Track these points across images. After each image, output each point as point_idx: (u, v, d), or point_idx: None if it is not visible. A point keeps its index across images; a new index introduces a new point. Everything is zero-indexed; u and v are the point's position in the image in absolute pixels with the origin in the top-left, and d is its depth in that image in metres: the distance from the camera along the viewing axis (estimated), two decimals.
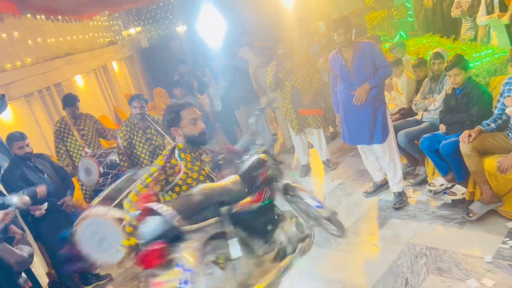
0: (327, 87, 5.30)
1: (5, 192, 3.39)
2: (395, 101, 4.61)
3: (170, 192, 2.36)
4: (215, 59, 5.88)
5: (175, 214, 1.87)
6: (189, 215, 1.98)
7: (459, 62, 3.46)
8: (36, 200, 3.49)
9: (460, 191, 3.55)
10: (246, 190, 2.33)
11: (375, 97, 3.67)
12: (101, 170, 3.83)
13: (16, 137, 3.69)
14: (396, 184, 3.87)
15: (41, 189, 3.53)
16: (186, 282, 1.75)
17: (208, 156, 2.64)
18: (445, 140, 3.49)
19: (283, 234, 2.36)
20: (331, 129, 6.06)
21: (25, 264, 2.84)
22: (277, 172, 2.54)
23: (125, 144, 4.05)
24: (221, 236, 2.07)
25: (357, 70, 3.64)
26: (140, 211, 1.94)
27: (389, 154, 3.82)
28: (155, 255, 1.77)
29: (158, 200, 2.23)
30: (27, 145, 3.70)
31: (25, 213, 3.60)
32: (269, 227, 2.36)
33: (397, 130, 4.00)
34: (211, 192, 2.18)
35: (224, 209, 2.13)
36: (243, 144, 2.73)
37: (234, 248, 2.02)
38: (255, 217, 2.30)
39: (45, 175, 3.78)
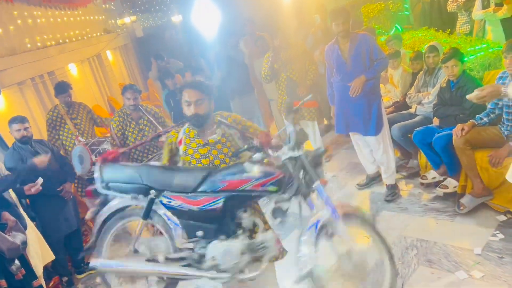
0: (322, 79, 5.30)
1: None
2: (389, 94, 4.62)
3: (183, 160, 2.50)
4: (211, 49, 5.84)
5: (97, 177, 2.42)
6: (121, 181, 2.39)
7: (456, 54, 3.48)
8: (33, 179, 3.45)
9: (451, 184, 3.58)
10: (192, 188, 2.23)
11: (370, 89, 3.68)
12: (93, 158, 3.82)
13: (15, 120, 3.67)
14: (389, 176, 3.89)
15: (40, 160, 3.47)
16: None
17: (219, 137, 2.44)
18: (438, 133, 3.51)
19: (210, 247, 2.23)
20: (325, 122, 6.07)
21: (17, 251, 2.83)
22: (274, 188, 2.19)
23: (119, 135, 4.02)
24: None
25: (354, 62, 3.64)
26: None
27: (383, 147, 3.83)
28: (87, 192, 2.66)
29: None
30: (25, 129, 3.67)
31: (21, 198, 3.59)
32: (199, 233, 2.27)
33: (390, 123, 4.02)
34: (149, 172, 2.36)
35: (151, 192, 2.31)
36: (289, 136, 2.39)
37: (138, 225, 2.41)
38: (184, 217, 2.30)
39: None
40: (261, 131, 2.47)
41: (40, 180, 3.47)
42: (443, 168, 3.64)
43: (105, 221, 2.47)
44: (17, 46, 5.72)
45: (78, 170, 3.98)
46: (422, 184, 3.90)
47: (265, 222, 2.42)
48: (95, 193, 2.49)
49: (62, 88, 4.47)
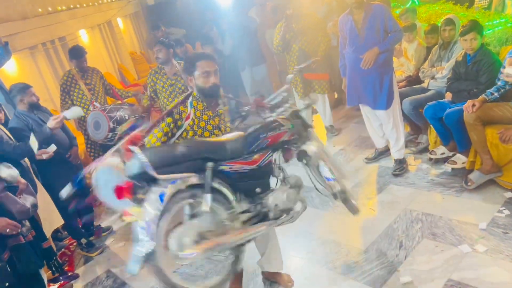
0: (335, 52, 5.22)
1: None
2: (402, 67, 4.55)
3: (180, 138, 2.44)
4: (224, 16, 5.73)
5: (147, 163, 1.96)
6: (168, 164, 2.06)
7: (476, 26, 3.38)
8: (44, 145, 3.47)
9: (460, 160, 3.57)
10: (246, 150, 2.31)
11: (383, 62, 3.62)
12: (111, 125, 3.79)
13: (22, 87, 3.60)
14: (398, 151, 3.88)
15: (53, 123, 3.42)
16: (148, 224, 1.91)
17: (225, 107, 2.61)
18: (450, 108, 3.46)
19: (271, 199, 2.36)
20: (336, 95, 6.02)
21: (27, 213, 2.87)
22: (296, 137, 2.50)
23: (151, 90, 4.09)
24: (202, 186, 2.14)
25: (367, 33, 3.57)
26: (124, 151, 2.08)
27: (393, 121, 3.80)
28: (124, 189, 1.93)
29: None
30: (34, 95, 3.65)
31: (32, 163, 3.60)
32: (258, 190, 2.35)
33: (402, 97, 3.97)
34: (199, 146, 2.22)
35: (209, 164, 2.14)
36: (275, 99, 2.67)
37: (206, 201, 2.09)
38: (245, 179, 2.31)
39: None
40: (255, 98, 2.61)
41: (53, 147, 3.47)
42: (453, 144, 3.61)
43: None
44: (29, 10, 5.69)
45: (94, 135, 3.95)
46: (430, 159, 3.89)
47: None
48: (135, 189, 1.98)
49: (78, 53, 4.38)
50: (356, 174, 4.06)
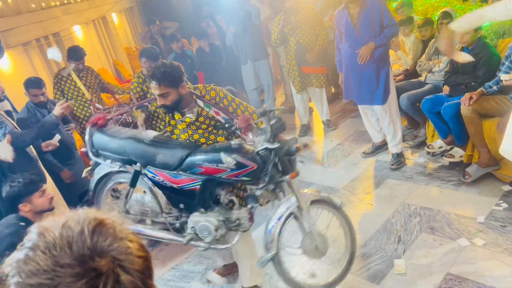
0: (332, 45, 5.19)
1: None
2: (400, 61, 4.53)
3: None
4: (224, 4, 5.56)
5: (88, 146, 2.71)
6: (108, 150, 2.60)
7: None
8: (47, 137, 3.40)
9: (458, 153, 3.57)
10: (174, 167, 2.37)
11: (379, 57, 3.60)
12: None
13: (32, 84, 3.54)
14: (395, 145, 3.88)
15: (59, 111, 3.28)
16: None
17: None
18: (448, 102, 3.46)
19: (190, 218, 2.41)
20: (333, 90, 6.00)
21: None
22: (249, 179, 2.27)
23: (137, 96, 3.95)
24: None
25: (363, 27, 3.55)
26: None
27: (390, 116, 3.79)
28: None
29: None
30: (43, 94, 3.55)
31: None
32: (181, 205, 2.47)
33: (400, 91, 3.96)
34: (133, 147, 2.48)
35: (135, 166, 2.48)
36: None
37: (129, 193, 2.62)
38: (167, 191, 2.48)
39: (59, 126, 3.64)
40: (242, 115, 2.41)
41: (57, 137, 3.41)
42: (451, 138, 3.61)
43: (99, 180, 2.72)
44: (22, 6, 5.62)
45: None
46: (428, 153, 3.88)
47: (241, 199, 2.49)
48: (87, 155, 2.70)
49: (77, 54, 4.22)
50: (354, 169, 4.06)
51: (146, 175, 2.49)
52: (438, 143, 3.78)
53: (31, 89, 3.53)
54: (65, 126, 3.86)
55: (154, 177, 2.45)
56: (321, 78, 4.79)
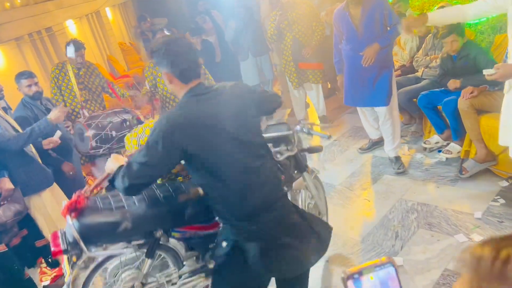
0: (328, 41, 5.16)
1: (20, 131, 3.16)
2: (396, 57, 4.52)
3: None
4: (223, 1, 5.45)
5: (78, 236, 1.97)
6: (107, 234, 2.06)
7: (455, 28, 3.33)
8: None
9: (455, 149, 3.56)
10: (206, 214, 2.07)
11: (383, 58, 3.42)
12: (93, 144, 3.50)
13: (23, 75, 3.40)
14: (393, 149, 3.73)
15: (55, 115, 3.14)
16: None
17: None
18: (447, 98, 3.44)
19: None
20: (329, 85, 5.98)
21: (3, 226, 2.63)
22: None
23: (150, 85, 3.93)
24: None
25: (366, 29, 3.37)
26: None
27: (391, 118, 3.64)
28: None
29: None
30: (36, 84, 3.41)
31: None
32: (211, 245, 2.20)
33: (397, 87, 3.94)
34: (146, 216, 2.07)
35: (157, 234, 2.08)
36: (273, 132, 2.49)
37: (145, 266, 2.17)
38: (200, 241, 2.22)
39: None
40: None
41: (58, 133, 3.30)
42: (447, 133, 3.61)
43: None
44: (14, 0, 5.54)
45: (79, 147, 3.72)
46: (424, 148, 3.88)
47: None
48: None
49: (74, 45, 4.05)
50: (351, 164, 4.04)
51: (173, 238, 2.16)
52: (434, 138, 3.78)
53: (22, 80, 3.39)
54: (63, 121, 3.70)
55: (184, 234, 2.15)
56: (317, 74, 4.77)
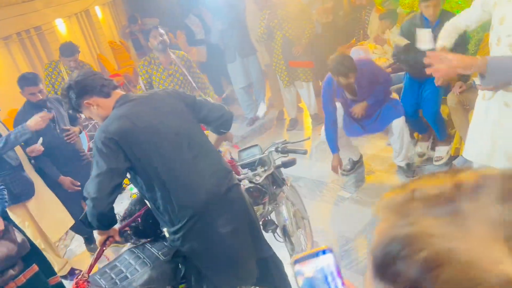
0: (318, 39, 5.17)
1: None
2: (387, 55, 4.54)
3: None
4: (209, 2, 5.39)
5: None
6: None
7: None
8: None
9: (444, 151, 3.54)
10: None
11: (381, 95, 3.34)
12: (91, 145, 3.49)
13: (27, 81, 3.12)
14: (402, 160, 3.52)
15: (35, 122, 2.88)
16: None
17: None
18: (423, 91, 3.37)
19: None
20: (320, 84, 5.98)
21: None
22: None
23: (145, 83, 3.84)
24: None
25: (359, 92, 3.28)
26: None
27: (400, 127, 3.40)
28: None
29: None
30: (40, 91, 3.15)
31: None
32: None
33: None
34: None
35: None
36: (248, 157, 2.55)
37: None
38: None
39: (57, 127, 3.27)
40: (227, 160, 2.48)
41: (40, 140, 3.04)
42: (431, 132, 3.62)
43: None
44: None
45: None
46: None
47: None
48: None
49: (69, 51, 3.89)
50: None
51: None
52: (418, 146, 3.76)
53: (26, 87, 3.12)
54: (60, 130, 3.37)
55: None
56: (308, 72, 4.78)
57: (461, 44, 2.90)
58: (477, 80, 2.32)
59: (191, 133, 1.93)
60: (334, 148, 3.41)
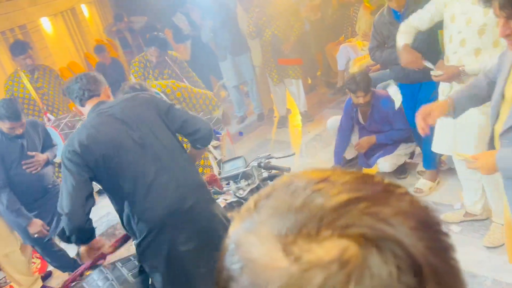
0: (307, 36, 5.18)
1: None
2: None
3: None
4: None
5: None
6: None
7: None
8: None
9: (426, 186, 3.25)
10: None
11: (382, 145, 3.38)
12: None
13: (5, 116, 2.61)
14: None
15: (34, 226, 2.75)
16: None
17: None
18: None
19: None
20: (309, 81, 6.00)
21: None
22: None
23: (137, 80, 3.72)
24: None
25: (373, 124, 3.35)
26: None
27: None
28: None
29: None
30: (21, 125, 2.70)
31: None
32: None
33: (377, 82, 3.95)
34: None
35: None
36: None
37: None
38: None
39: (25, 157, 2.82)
40: (209, 173, 2.45)
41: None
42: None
43: None
44: None
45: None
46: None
47: None
48: None
49: (19, 48, 3.56)
50: (333, 160, 4.06)
51: None
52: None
53: (6, 121, 2.62)
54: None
55: None
56: (297, 69, 4.78)
57: (433, 46, 2.73)
58: (433, 72, 2.37)
59: (159, 145, 1.87)
60: (338, 160, 3.55)
